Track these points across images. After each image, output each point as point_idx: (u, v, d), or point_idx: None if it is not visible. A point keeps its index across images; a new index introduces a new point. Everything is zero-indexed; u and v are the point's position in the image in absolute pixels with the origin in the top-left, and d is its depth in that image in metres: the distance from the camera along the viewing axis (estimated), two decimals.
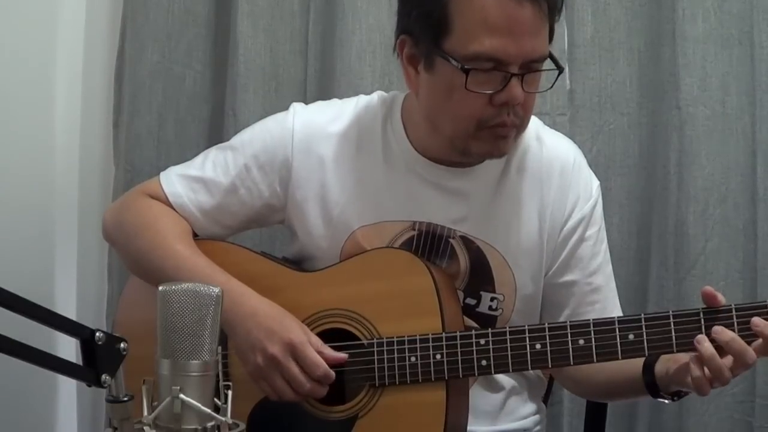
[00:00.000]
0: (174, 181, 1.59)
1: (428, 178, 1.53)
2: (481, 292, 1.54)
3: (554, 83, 1.45)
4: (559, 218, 1.55)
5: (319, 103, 1.66)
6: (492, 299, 1.54)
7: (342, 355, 1.44)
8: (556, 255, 1.55)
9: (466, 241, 1.53)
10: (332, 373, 1.43)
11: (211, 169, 1.58)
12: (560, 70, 1.42)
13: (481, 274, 1.53)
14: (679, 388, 1.38)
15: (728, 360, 1.30)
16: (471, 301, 1.53)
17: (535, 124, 1.58)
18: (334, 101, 1.66)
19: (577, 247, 1.55)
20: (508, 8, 1.34)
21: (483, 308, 1.54)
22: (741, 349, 1.30)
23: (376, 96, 1.61)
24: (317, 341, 1.44)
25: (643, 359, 1.40)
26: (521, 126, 1.46)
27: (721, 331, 1.31)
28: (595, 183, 1.59)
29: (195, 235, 1.59)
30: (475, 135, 1.43)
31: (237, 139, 1.62)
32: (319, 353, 1.43)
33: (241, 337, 1.44)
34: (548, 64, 1.43)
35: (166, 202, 1.58)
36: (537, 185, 1.55)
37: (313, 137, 1.56)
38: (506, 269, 1.53)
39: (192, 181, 1.58)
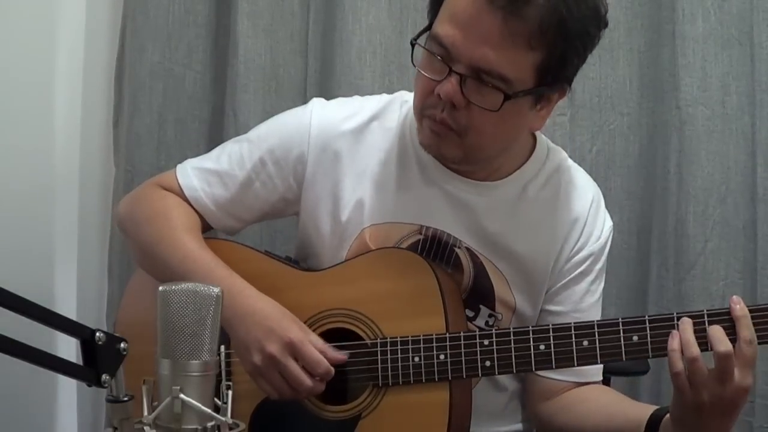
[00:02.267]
0: (189, 173, 1.59)
1: (440, 184, 1.53)
2: (481, 306, 1.53)
3: (500, 108, 1.34)
4: (568, 250, 1.54)
5: (340, 100, 1.65)
6: (490, 315, 1.54)
7: (342, 356, 1.44)
8: (556, 281, 1.55)
9: (471, 255, 1.53)
10: (332, 369, 1.42)
11: (227, 162, 1.58)
12: (506, 97, 1.34)
13: (482, 289, 1.53)
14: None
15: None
16: (469, 313, 1.53)
17: (559, 155, 1.58)
18: (356, 98, 1.65)
19: (577, 279, 1.55)
20: (477, 7, 1.31)
21: (480, 322, 1.54)
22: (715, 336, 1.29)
23: (399, 96, 1.60)
24: (318, 340, 1.44)
25: (644, 423, 1.38)
26: (462, 135, 1.40)
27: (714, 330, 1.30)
28: (609, 223, 1.59)
29: (204, 231, 1.60)
30: (420, 121, 1.44)
31: (254, 133, 1.61)
32: (320, 352, 1.42)
33: (240, 336, 1.44)
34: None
35: (181, 195, 1.58)
36: (552, 217, 1.54)
37: (330, 134, 1.55)
38: (508, 292, 1.53)
39: (207, 174, 1.58)
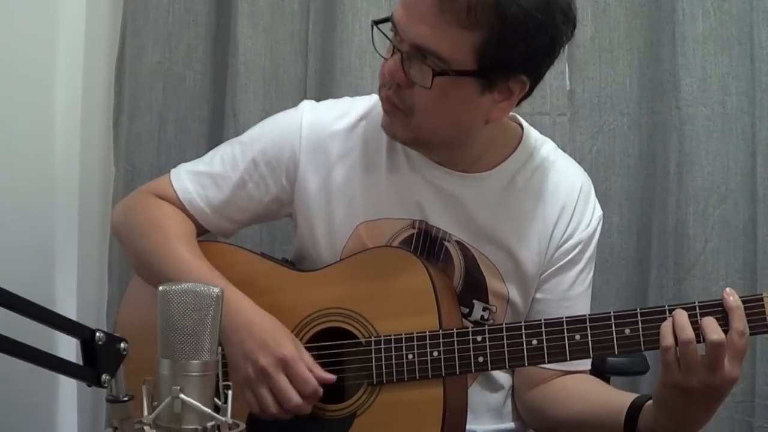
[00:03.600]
0: (183, 177, 1.60)
1: (429, 178, 1.53)
2: (474, 301, 1.54)
3: (431, 84, 1.35)
4: (558, 238, 1.54)
5: (330, 101, 1.66)
6: (484, 309, 1.54)
7: (329, 377, 1.44)
8: (545, 269, 1.55)
9: (462, 248, 1.53)
10: (321, 390, 1.43)
11: (220, 164, 1.59)
12: (435, 72, 1.34)
13: (474, 282, 1.53)
14: (663, 418, 1.34)
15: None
16: (463, 310, 1.53)
17: (548, 147, 1.58)
18: (346, 99, 1.66)
19: (565, 268, 1.55)
20: None
21: (475, 317, 1.54)
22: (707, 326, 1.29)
23: None
24: (309, 359, 1.45)
25: (625, 408, 1.39)
26: (408, 114, 1.41)
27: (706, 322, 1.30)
28: (598, 213, 1.58)
29: (199, 235, 1.60)
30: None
31: (246, 135, 1.62)
32: (309, 370, 1.43)
33: (234, 346, 1.44)
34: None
35: (175, 198, 1.59)
36: (540, 206, 1.54)
37: (321, 134, 1.56)
38: (501, 284, 1.53)
39: (201, 176, 1.59)
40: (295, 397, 1.42)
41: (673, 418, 1.33)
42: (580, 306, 1.55)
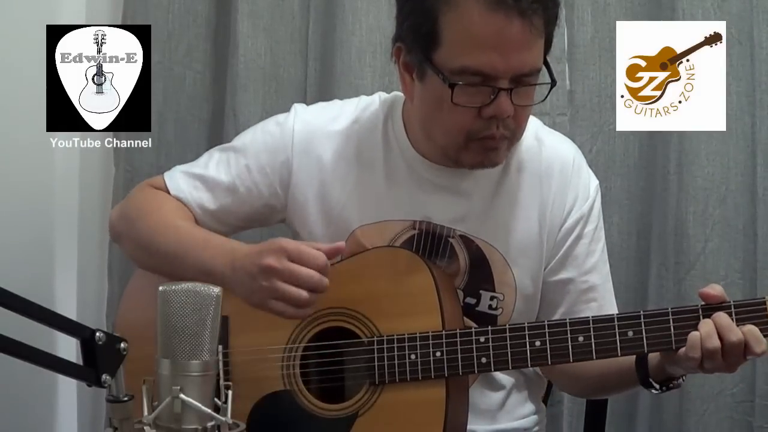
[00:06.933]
0: (177, 177, 1.61)
1: (428, 177, 1.54)
2: (481, 291, 1.54)
3: (546, 97, 1.44)
4: (558, 217, 1.55)
5: (320, 104, 1.67)
6: (492, 298, 1.54)
7: (339, 244, 1.42)
8: (554, 253, 1.56)
9: (466, 241, 1.53)
10: (326, 280, 1.38)
11: (214, 168, 1.59)
12: (552, 83, 1.42)
13: (480, 272, 1.54)
14: (671, 369, 1.38)
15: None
16: (471, 300, 1.54)
17: (534, 124, 1.58)
18: (336, 102, 1.66)
19: (573, 245, 1.56)
20: (497, 24, 1.33)
21: (483, 307, 1.55)
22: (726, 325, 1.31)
23: (377, 97, 1.61)
24: (305, 248, 1.39)
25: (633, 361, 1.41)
26: (513, 138, 1.46)
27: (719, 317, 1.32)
28: (594, 183, 1.59)
29: None
30: (466, 146, 1.44)
31: (239, 140, 1.63)
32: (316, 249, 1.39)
33: (237, 277, 1.40)
34: (544, 75, 1.42)
35: None
36: (536, 185, 1.55)
37: (313, 138, 1.56)
38: (506, 269, 1.54)
39: (194, 178, 1.60)
40: (312, 276, 1.36)
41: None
42: (599, 274, 1.57)
